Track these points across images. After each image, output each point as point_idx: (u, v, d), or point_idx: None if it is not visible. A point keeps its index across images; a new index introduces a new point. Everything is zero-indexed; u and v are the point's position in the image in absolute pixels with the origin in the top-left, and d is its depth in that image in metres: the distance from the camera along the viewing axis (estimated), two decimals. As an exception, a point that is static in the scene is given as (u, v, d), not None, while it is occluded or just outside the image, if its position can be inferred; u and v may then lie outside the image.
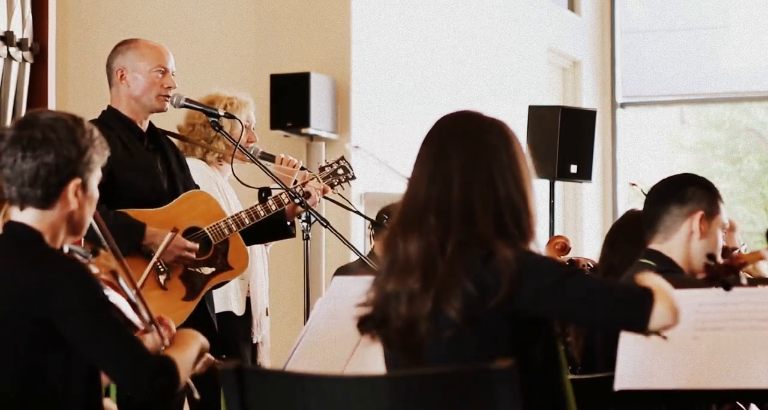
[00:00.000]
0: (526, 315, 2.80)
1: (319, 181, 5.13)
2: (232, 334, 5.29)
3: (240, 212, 4.93)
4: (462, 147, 2.87)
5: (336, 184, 5.20)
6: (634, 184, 6.53)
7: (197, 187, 5.04)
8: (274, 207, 4.97)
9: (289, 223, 5.15)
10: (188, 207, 4.83)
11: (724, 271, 3.07)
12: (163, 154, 4.90)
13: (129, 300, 3.26)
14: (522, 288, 2.77)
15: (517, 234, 2.84)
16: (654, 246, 3.91)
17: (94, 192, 3.13)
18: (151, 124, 4.92)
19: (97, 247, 3.26)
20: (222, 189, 5.38)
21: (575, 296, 2.79)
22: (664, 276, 3.66)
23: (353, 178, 5.25)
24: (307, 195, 5.02)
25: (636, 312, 2.79)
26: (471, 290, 2.77)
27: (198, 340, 3.24)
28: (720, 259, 3.07)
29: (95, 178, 3.11)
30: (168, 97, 4.85)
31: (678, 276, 3.88)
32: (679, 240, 3.88)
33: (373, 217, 6.06)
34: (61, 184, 3.05)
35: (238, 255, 4.90)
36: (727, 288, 3.04)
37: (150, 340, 3.25)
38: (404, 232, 2.87)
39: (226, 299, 5.30)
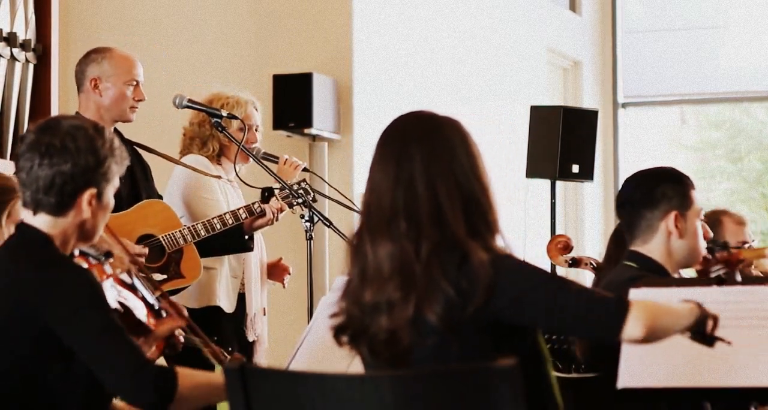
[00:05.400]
0: (504, 321, 2.79)
1: (277, 199, 5.12)
2: (219, 331, 5.20)
3: (197, 223, 4.95)
4: (423, 148, 2.86)
5: (295, 204, 5.18)
6: None
7: (160, 197, 5.08)
8: (231, 222, 4.99)
9: (246, 237, 5.15)
10: (143, 216, 4.87)
11: (719, 265, 3.05)
12: None
13: (143, 299, 3.27)
14: (497, 294, 2.77)
15: (485, 231, 2.84)
16: (635, 247, 3.90)
17: (110, 201, 3.11)
18: (119, 133, 4.93)
19: (110, 250, 3.26)
20: (221, 185, 5.36)
21: (549, 303, 2.78)
22: (654, 279, 3.68)
23: (314, 200, 5.23)
24: (263, 213, 5.04)
25: (609, 320, 2.78)
26: (451, 294, 2.77)
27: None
28: (719, 254, 3.04)
29: (112, 187, 3.10)
30: (136, 108, 4.92)
31: (673, 277, 3.89)
32: (659, 241, 3.83)
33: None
34: (76, 192, 3.04)
35: (192, 264, 4.95)
36: (720, 283, 3.02)
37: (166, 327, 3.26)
38: (373, 238, 2.84)
39: (210, 295, 5.24)
